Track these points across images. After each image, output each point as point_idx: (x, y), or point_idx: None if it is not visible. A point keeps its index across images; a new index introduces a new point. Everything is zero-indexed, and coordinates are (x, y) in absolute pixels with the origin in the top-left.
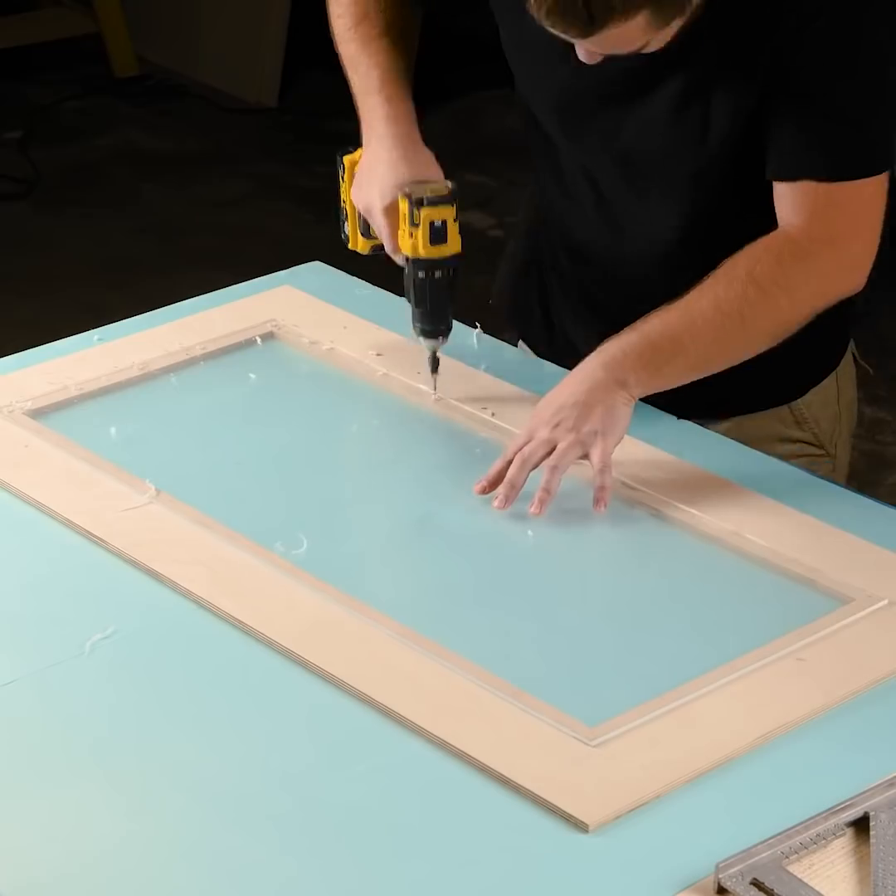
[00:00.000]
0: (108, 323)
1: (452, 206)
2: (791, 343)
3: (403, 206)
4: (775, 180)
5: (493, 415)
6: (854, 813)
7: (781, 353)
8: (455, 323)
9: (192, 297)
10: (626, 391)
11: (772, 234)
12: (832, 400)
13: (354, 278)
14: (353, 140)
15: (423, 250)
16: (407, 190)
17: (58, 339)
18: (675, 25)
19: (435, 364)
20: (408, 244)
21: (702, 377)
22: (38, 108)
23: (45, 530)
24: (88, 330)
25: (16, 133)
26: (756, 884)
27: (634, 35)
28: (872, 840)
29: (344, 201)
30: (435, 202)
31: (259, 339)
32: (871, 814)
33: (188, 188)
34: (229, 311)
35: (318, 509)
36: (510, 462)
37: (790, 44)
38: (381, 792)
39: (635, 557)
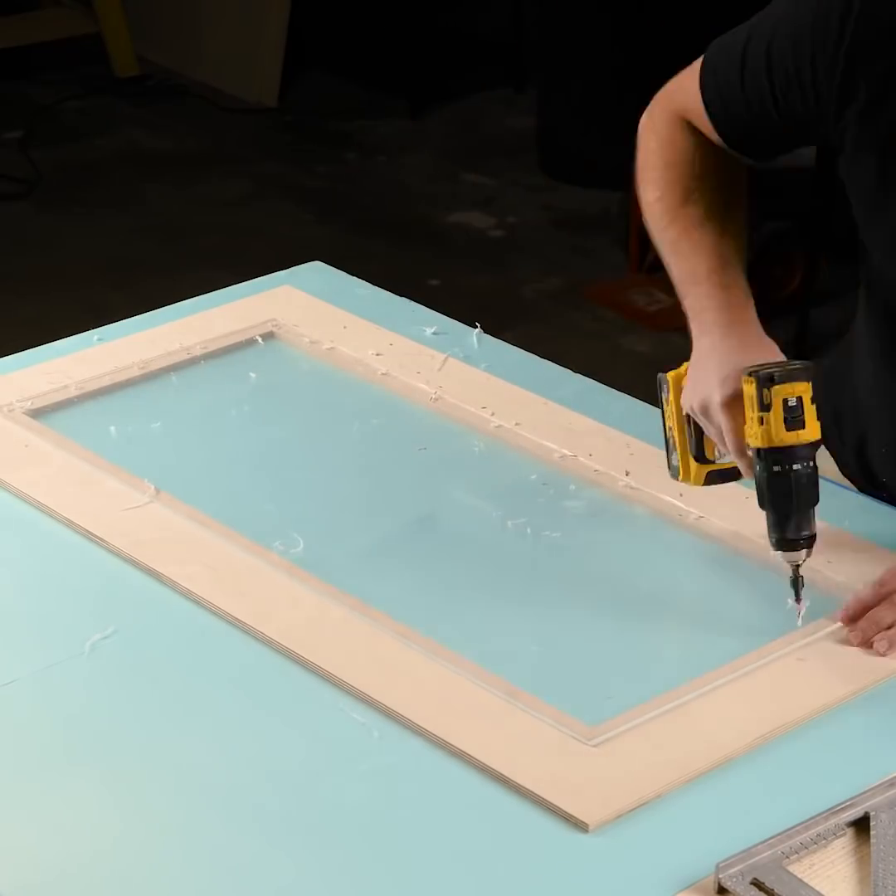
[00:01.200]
0: (108, 323)
1: (809, 382)
2: None
3: (749, 389)
4: None
5: (493, 415)
6: (854, 813)
7: None
8: (455, 323)
9: (193, 297)
10: None
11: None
12: None
13: (354, 278)
14: (353, 141)
15: (777, 437)
16: (751, 369)
17: (58, 339)
18: None
19: (798, 584)
20: (757, 433)
21: None
22: (38, 108)
23: (45, 530)
24: (88, 330)
25: (16, 133)
26: (756, 884)
27: None
28: (873, 840)
29: (670, 428)
30: (788, 377)
31: (259, 339)
32: (872, 814)
33: (188, 188)
34: (229, 311)
35: (317, 509)
36: (881, 598)
37: None
38: (381, 792)
39: (635, 557)
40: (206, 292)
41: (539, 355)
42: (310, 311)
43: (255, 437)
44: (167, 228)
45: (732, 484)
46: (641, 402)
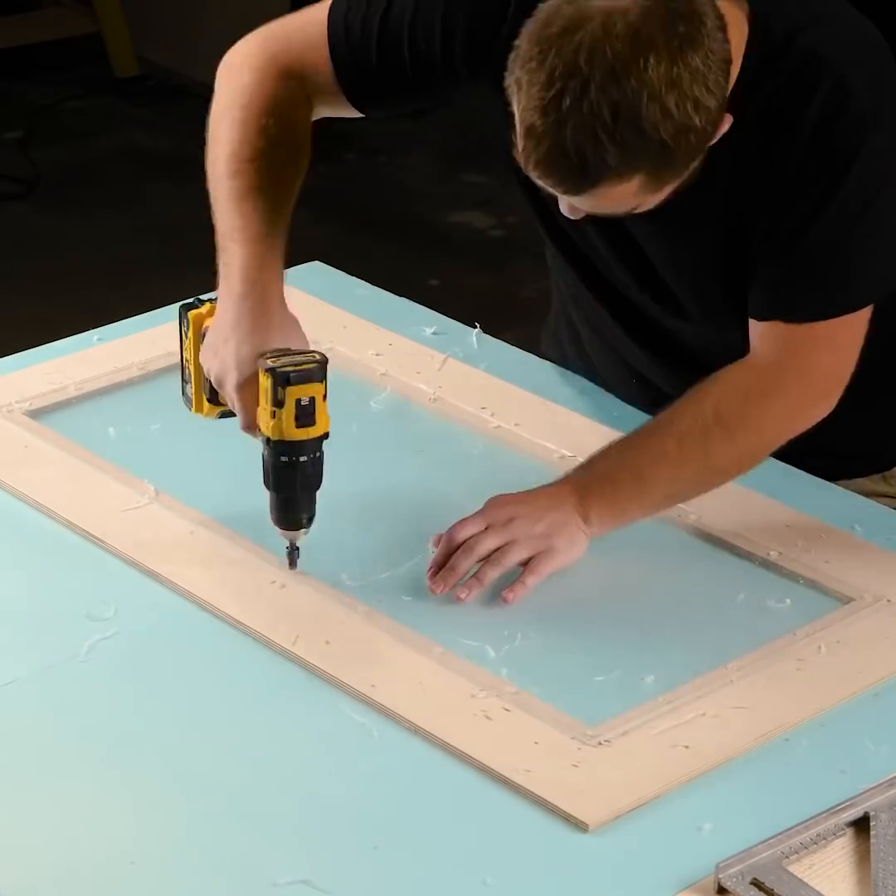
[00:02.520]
0: (108, 323)
1: (322, 382)
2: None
3: (265, 382)
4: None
5: (492, 415)
6: (854, 813)
7: (879, 430)
8: (455, 323)
9: (192, 296)
10: (588, 527)
11: (741, 365)
12: None
13: (354, 278)
14: (352, 141)
15: (288, 433)
16: (269, 364)
17: (58, 339)
18: (668, 190)
19: (293, 557)
20: (269, 425)
21: (660, 512)
22: (38, 108)
23: (45, 530)
24: (88, 330)
25: (16, 133)
26: (756, 884)
27: (626, 197)
28: (872, 840)
29: (187, 361)
30: (302, 379)
31: None
32: (872, 814)
33: (188, 188)
34: None
35: (317, 509)
36: (456, 546)
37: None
38: (381, 792)
39: (635, 557)
40: (205, 292)
41: (539, 355)
42: (309, 311)
43: (254, 437)
44: (167, 228)
45: (732, 484)
46: (632, 407)
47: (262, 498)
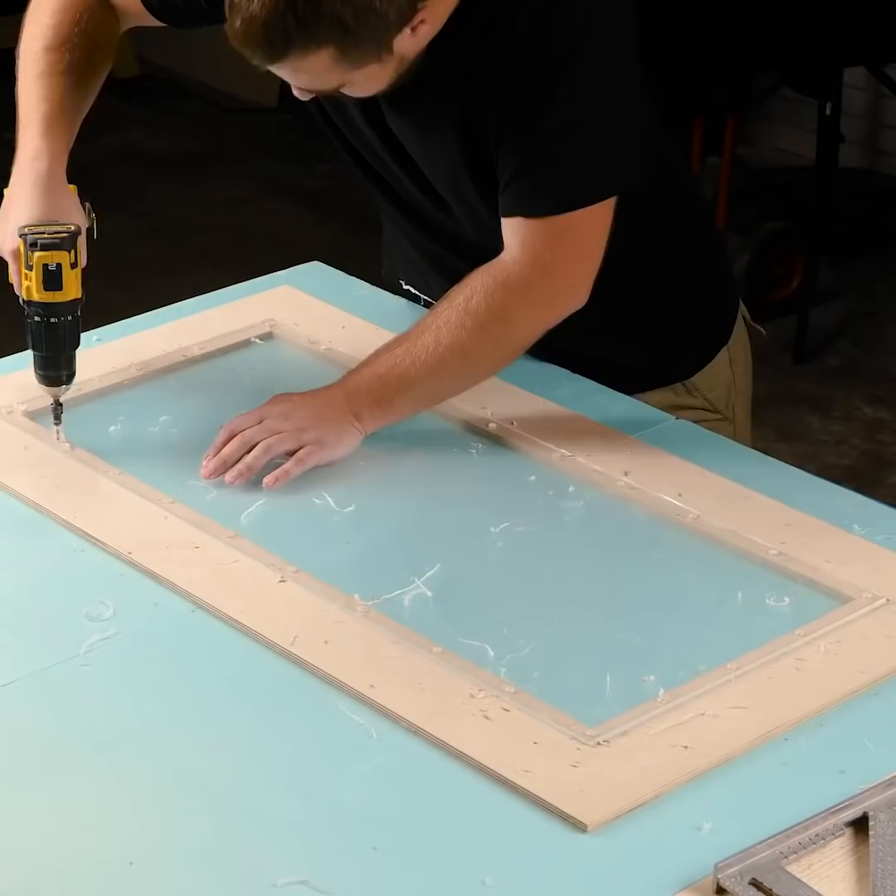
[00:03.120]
0: (109, 323)
1: (69, 251)
2: (677, 327)
3: (20, 248)
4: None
5: (492, 415)
6: (853, 813)
7: (670, 336)
8: None
9: (193, 297)
10: (360, 423)
11: (492, 264)
12: (724, 368)
13: (354, 278)
14: None
15: (37, 295)
16: (25, 231)
17: None
18: (372, 69)
19: (58, 413)
20: (23, 286)
21: (434, 406)
22: None
23: (45, 530)
24: (88, 330)
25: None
26: (755, 884)
27: (323, 70)
28: (871, 840)
29: None
30: (49, 246)
31: (258, 339)
32: (871, 814)
33: (189, 188)
34: (229, 311)
35: (317, 509)
36: (229, 439)
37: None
38: (380, 792)
39: (635, 557)
40: (205, 292)
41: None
42: (308, 311)
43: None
44: (167, 228)
45: (732, 485)
46: (642, 402)
47: (262, 498)
